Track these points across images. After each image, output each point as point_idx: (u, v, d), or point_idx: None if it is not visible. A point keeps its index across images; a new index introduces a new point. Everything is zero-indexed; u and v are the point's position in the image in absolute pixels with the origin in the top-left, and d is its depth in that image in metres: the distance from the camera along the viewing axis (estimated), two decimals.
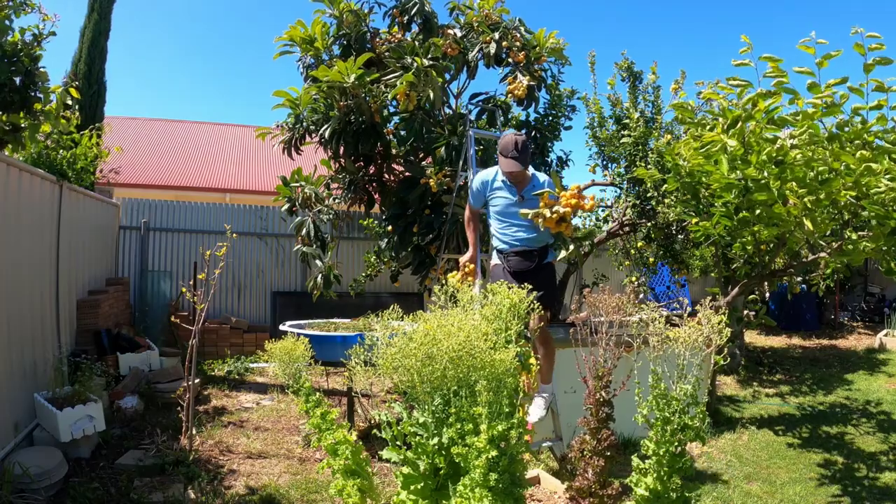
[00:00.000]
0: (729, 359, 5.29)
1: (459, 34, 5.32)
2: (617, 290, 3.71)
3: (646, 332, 2.34)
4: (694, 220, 4.63)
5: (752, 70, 3.32)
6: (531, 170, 3.56)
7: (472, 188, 3.76)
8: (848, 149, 3.26)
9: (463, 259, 3.90)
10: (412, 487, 2.30)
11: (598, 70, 10.26)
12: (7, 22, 3.33)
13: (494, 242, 3.65)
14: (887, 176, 3.20)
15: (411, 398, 2.31)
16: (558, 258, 3.48)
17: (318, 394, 2.93)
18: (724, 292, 5.53)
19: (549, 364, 3.58)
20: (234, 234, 6.60)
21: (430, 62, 4.54)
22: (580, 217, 7.32)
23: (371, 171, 5.69)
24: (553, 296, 3.50)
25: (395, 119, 5.61)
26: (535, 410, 3.47)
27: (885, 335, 8.85)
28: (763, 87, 3.34)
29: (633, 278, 7.78)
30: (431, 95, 4.53)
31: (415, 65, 4.45)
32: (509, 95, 5.33)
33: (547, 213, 3.24)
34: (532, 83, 5.20)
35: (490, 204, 3.66)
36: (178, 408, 4.18)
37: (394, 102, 4.90)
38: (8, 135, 3.70)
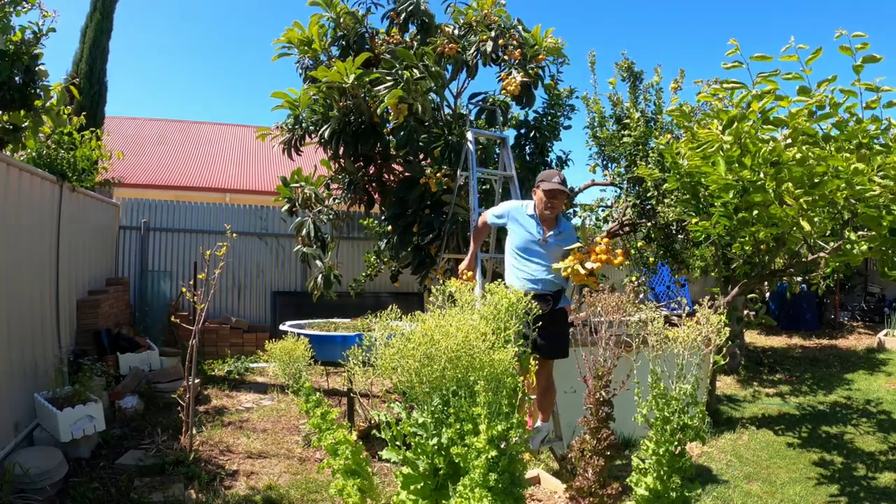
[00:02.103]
0: (729, 358, 5.28)
1: (458, 33, 5.33)
2: (617, 289, 3.72)
3: (645, 332, 2.35)
4: (694, 220, 4.63)
5: (744, 71, 3.33)
6: (560, 217, 3.59)
7: (497, 209, 3.75)
8: (847, 148, 3.26)
9: (462, 266, 3.90)
10: (412, 487, 2.30)
11: (598, 70, 10.27)
12: (6, 20, 3.33)
13: (509, 280, 3.54)
14: (880, 174, 3.18)
15: (410, 398, 2.32)
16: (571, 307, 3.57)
17: (318, 394, 2.94)
18: (723, 292, 5.53)
19: (550, 404, 3.59)
20: (234, 234, 6.60)
21: (420, 74, 4.54)
22: (580, 217, 7.35)
23: (371, 171, 5.69)
24: (563, 346, 3.48)
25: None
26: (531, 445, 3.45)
27: (885, 335, 8.85)
28: (758, 89, 3.35)
29: (633, 278, 7.78)
30: (420, 108, 4.54)
31: (404, 77, 4.46)
32: (503, 92, 5.34)
33: (580, 269, 3.26)
34: (526, 80, 5.20)
35: (510, 233, 3.61)
36: (178, 408, 4.18)
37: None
38: (9, 134, 3.70)
